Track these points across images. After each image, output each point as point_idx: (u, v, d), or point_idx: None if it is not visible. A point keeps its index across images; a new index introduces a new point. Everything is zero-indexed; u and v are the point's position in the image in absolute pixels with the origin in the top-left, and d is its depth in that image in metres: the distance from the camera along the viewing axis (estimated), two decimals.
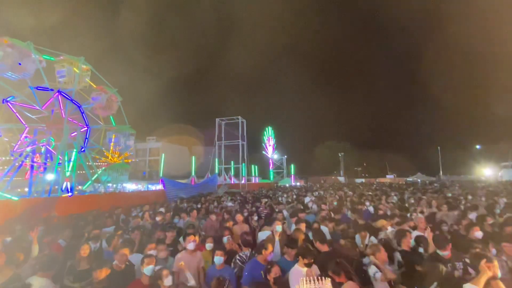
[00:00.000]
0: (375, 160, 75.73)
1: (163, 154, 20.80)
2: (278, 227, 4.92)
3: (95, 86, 15.18)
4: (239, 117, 26.67)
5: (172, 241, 4.91)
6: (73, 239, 5.31)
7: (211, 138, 28.36)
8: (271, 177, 41.43)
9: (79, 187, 16.31)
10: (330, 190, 18.91)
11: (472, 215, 6.66)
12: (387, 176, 60.64)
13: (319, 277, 0.97)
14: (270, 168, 42.11)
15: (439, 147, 52.16)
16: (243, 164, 26.55)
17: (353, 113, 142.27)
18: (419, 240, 4.05)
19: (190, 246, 3.92)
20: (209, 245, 4.28)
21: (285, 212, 8.28)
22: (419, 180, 43.02)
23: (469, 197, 11.74)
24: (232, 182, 27.43)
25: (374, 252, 3.43)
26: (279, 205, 9.90)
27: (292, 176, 41.39)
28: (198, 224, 6.81)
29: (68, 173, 13.82)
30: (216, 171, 25.82)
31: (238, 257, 3.88)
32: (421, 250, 3.99)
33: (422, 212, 7.48)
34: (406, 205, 9.66)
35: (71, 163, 14.29)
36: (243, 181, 26.08)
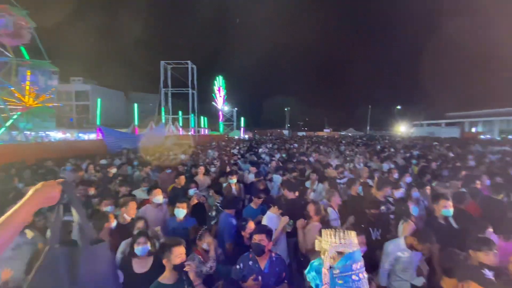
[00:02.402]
0: (315, 115, 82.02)
1: (99, 99, 17.96)
2: (232, 180, 5.25)
3: None
4: (189, 62, 24.16)
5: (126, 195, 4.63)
6: None
7: (154, 84, 25.67)
8: (221, 129, 41.15)
9: None
10: (278, 143, 20.08)
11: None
12: (324, 130, 67.03)
13: (343, 230, 0.98)
14: (220, 120, 41.43)
15: (370, 106, 59.43)
16: (192, 114, 25.32)
17: (298, 70, 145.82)
18: (364, 186, 4.76)
19: (157, 199, 3.76)
20: (164, 200, 4.20)
21: (240, 163, 8.61)
22: (350, 134, 49.22)
23: (392, 149, 14.05)
24: (181, 133, 26.31)
25: (330, 196, 3.88)
26: (233, 156, 10.14)
27: (242, 128, 41.89)
28: (152, 176, 6.51)
29: None
30: (163, 120, 24.07)
31: (218, 203, 4.06)
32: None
33: (359, 163, 8.64)
34: (344, 156, 11.07)
35: None
36: (192, 133, 25.20)
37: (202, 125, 34.60)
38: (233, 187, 5.27)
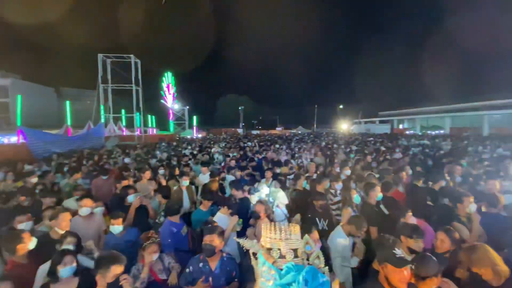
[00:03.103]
0: (268, 114, 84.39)
1: (19, 96, 15.10)
2: (185, 182, 4.98)
3: None
4: (132, 56, 22.19)
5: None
6: None
7: (91, 79, 22.93)
8: (171, 128, 39.00)
9: None
10: (232, 141, 20.06)
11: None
12: (277, 128, 69.51)
13: (286, 227, 0.94)
14: (170, 119, 39.21)
15: (316, 106, 64.15)
16: (138, 113, 23.37)
17: (251, 68, 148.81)
18: (309, 180, 5.05)
19: (83, 211, 3.29)
20: (100, 209, 3.77)
21: (191, 164, 8.31)
22: (299, 132, 52.17)
23: (335, 145, 15.32)
24: (124, 133, 24.05)
25: (275, 197, 4.01)
26: (184, 157, 9.71)
27: (195, 127, 40.40)
28: (84, 184, 5.80)
29: None
30: (102, 120, 21.61)
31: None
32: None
33: (306, 158, 9.19)
34: (293, 152, 11.65)
35: None
36: (138, 133, 23.30)
37: (150, 125, 32.33)
38: (184, 189, 5.02)
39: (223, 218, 3.22)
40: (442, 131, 36.36)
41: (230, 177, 6.10)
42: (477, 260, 2.01)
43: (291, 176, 5.98)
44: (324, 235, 3.39)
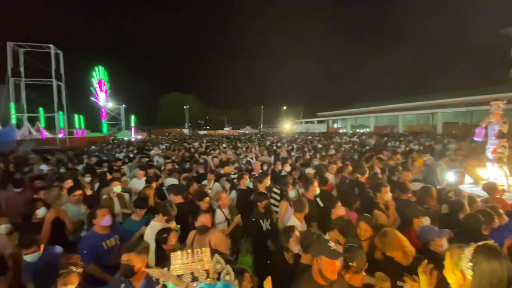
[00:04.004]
0: (215, 114, 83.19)
1: None
2: (116, 189, 4.46)
3: None
4: (51, 45, 18.86)
5: None
6: None
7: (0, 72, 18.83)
8: (105, 129, 34.75)
9: None
10: (176, 142, 19.05)
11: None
12: (225, 128, 69.21)
13: (196, 250, 0.94)
14: (103, 119, 34.85)
15: (262, 106, 66.45)
16: (61, 112, 20.09)
17: (198, 66, 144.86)
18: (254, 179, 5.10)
19: None
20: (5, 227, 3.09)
21: (125, 168, 7.56)
22: (247, 132, 53.11)
23: (279, 143, 16.02)
24: (43, 136, 20.39)
25: (218, 198, 3.91)
26: (117, 161, 8.75)
27: (132, 128, 36.85)
28: None
29: None
30: (13, 121, 17.88)
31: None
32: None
33: (252, 158, 9.32)
34: (238, 152, 11.74)
35: None
36: (61, 135, 20.03)
37: (77, 126, 28.21)
38: (115, 197, 4.48)
39: (157, 227, 2.95)
40: (367, 129, 41.64)
41: (171, 181, 5.73)
42: (388, 245, 2.30)
43: (235, 176, 5.98)
44: (268, 235, 3.42)
